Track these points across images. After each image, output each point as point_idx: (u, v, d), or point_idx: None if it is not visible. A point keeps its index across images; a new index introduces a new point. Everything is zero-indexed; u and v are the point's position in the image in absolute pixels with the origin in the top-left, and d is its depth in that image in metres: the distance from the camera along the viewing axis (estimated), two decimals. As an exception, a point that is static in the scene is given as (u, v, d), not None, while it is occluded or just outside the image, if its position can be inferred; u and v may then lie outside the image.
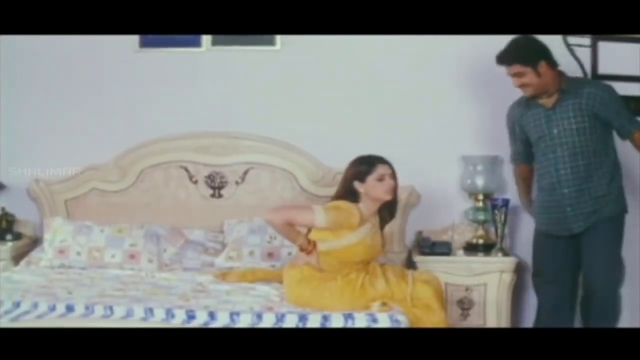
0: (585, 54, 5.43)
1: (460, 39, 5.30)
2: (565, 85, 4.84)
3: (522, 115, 5.02)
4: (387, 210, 4.73)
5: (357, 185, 4.58)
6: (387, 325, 4.04)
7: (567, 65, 5.16)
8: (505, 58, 4.83)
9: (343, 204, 4.54)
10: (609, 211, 4.85)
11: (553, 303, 5.06)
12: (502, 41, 4.86)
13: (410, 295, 4.40)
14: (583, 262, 4.94)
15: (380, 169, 4.60)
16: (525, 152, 5.15)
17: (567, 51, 5.38)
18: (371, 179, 4.58)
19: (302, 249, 4.56)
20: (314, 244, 4.54)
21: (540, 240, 5.09)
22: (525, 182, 5.33)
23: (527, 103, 4.97)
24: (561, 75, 4.90)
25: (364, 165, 4.62)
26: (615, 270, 4.91)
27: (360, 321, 4.08)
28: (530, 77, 4.80)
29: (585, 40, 5.30)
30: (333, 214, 4.48)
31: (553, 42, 5.06)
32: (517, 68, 4.81)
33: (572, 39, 5.36)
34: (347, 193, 4.59)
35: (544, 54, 4.84)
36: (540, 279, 5.10)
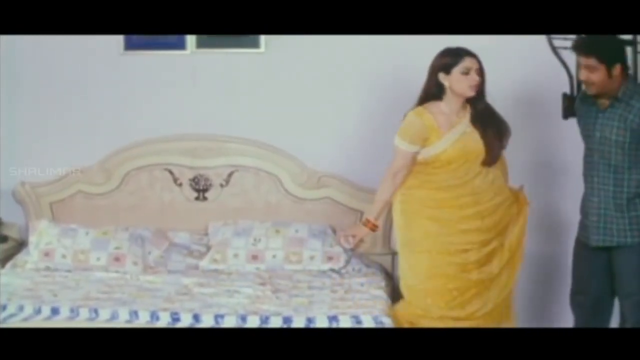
0: (570, 57, 5.34)
1: (445, 39, 5.28)
2: (622, 93, 4.48)
3: (578, 108, 4.77)
4: (478, 112, 4.61)
5: (442, 77, 4.54)
6: (371, 327, 4.08)
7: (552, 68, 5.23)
8: (584, 47, 4.49)
9: (409, 116, 4.61)
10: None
11: (583, 321, 4.80)
12: (486, 41, 4.84)
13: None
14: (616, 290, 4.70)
15: (467, 62, 4.51)
16: None
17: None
18: (456, 71, 4.50)
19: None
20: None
21: (577, 249, 4.82)
22: None
23: (585, 96, 4.69)
24: (627, 80, 4.55)
25: (450, 57, 4.54)
26: None
27: (345, 323, 4.11)
28: (600, 75, 4.43)
29: (570, 42, 5.13)
30: (408, 131, 4.59)
31: (536, 44, 5.13)
32: (592, 62, 4.43)
33: (557, 41, 5.19)
34: (433, 86, 4.58)
35: (623, 56, 4.56)
36: (575, 292, 4.85)
